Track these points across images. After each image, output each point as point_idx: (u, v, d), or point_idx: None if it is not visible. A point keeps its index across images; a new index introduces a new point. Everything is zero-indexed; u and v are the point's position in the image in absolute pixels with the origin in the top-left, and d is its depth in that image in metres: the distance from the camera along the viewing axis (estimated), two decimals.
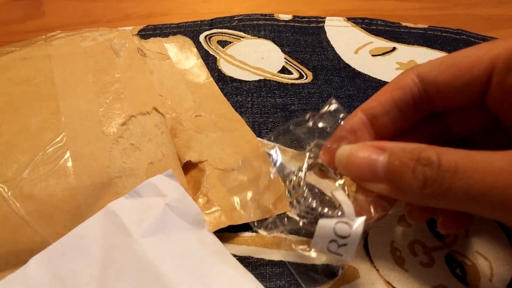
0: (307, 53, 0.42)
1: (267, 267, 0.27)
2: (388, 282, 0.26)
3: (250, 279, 0.25)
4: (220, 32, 0.44)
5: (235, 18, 0.45)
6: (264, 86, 0.38)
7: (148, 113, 0.31)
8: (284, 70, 0.40)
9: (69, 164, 0.27)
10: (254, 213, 0.28)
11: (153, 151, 0.30)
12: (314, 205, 0.24)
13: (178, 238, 0.26)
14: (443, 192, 0.20)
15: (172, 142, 0.32)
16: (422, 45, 0.43)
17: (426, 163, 0.20)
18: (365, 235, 0.28)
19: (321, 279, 0.26)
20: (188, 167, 0.32)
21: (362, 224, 0.22)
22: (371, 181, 0.23)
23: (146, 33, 0.44)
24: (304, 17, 0.46)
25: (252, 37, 0.43)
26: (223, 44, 0.43)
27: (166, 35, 0.43)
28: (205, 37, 0.43)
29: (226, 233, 0.28)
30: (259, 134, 0.34)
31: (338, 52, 0.42)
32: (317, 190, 0.29)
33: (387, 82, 0.38)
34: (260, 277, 0.26)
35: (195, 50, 0.41)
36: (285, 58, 0.41)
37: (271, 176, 0.30)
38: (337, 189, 0.25)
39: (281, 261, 0.27)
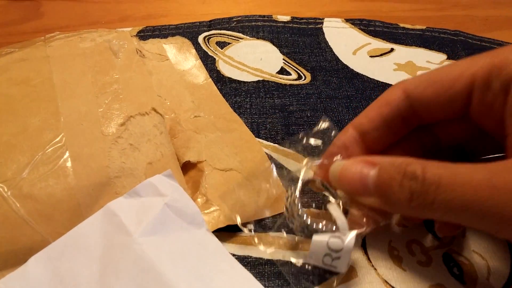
0: (305, 54, 0.42)
1: (266, 266, 0.27)
2: (386, 281, 0.26)
3: (248, 278, 0.26)
4: (218, 33, 0.44)
5: (234, 19, 0.46)
6: (263, 87, 0.39)
7: (147, 113, 0.31)
8: (282, 71, 0.40)
9: (69, 164, 0.27)
10: (256, 213, 0.29)
11: (152, 151, 0.30)
12: (308, 222, 0.25)
13: (177, 237, 0.26)
14: (428, 204, 0.21)
15: (171, 142, 0.32)
16: (419, 46, 0.43)
17: (412, 177, 0.21)
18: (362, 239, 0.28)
19: (316, 279, 0.26)
20: (187, 167, 0.32)
21: (354, 238, 0.24)
22: (363, 194, 0.24)
23: (144, 34, 0.44)
24: (302, 18, 0.46)
25: (251, 38, 0.44)
26: (222, 45, 0.43)
27: (165, 36, 0.43)
28: (204, 38, 0.43)
29: (225, 233, 0.28)
30: (257, 135, 0.34)
31: (336, 53, 0.42)
32: (314, 205, 0.30)
33: (385, 83, 0.39)
34: (258, 276, 0.26)
35: (193, 51, 0.42)
36: (283, 59, 0.41)
37: (274, 176, 0.30)
38: (331, 204, 0.27)
39: (279, 260, 0.27)
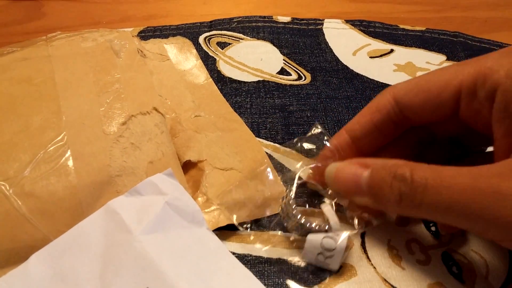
0: (305, 55, 0.42)
1: (266, 264, 0.27)
2: (385, 280, 0.26)
3: (248, 276, 0.26)
4: (219, 34, 0.44)
5: (234, 20, 0.46)
6: (263, 87, 0.39)
7: (148, 113, 0.31)
8: (282, 71, 0.40)
9: (70, 162, 0.27)
10: (252, 213, 0.29)
11: (153, 150, 0.30)
12: (302, 221, 0.27)
13: (177, 235, 0.26)
14: (416, 205, 0.22)
15: (172, 141, 0.32)
16: (419, 47, 0.43)
17: (401, 178, 0.22)
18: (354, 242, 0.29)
19: (314, 278, 0.26)
20: (187, 166, 0.32)
21: (346, 238, 0.26)
22: (357, 194, 0.25)
23: (145, 34, 0.44)
24: (302, 19, 0.46)
25: (251, 38, 0.44)
26: (223, 45, 0.43)
27: (165, 36, 0.43)
28: (205, 38, 0.44)
29: (225, 231, 0.28)
30: (258, 134, 0.35)
31: (336, 53, 0.43)
32: (307, 206, 0.30)
33: (384, 84, 0.39)
34: (258, 274, 0.26)
35: (194, 51, 0.42)
36: (283, 60, 0.42)
37: (272, 175, 0.30)
38: (325, 204, 0.28)
39: (279, 258, 0.27)
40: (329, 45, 0.44)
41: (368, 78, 0.40)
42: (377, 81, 0.40)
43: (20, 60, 0.33)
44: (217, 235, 0.28)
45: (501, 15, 0.48)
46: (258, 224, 0.29)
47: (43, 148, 0.27)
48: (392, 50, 0.43)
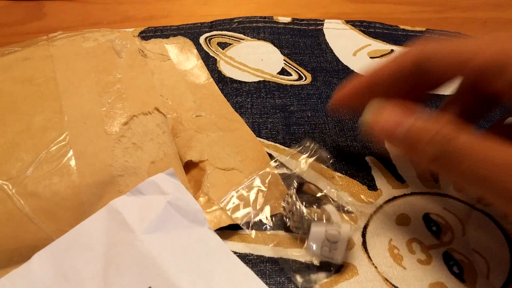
0: (306, 55, 0.42)
1: (267, 264, 0.27)
2: (387, 279, 0.26)
3: (250, 275, 0.26)
4: (220, 34, 0.44)
5: (235, 20, 0.46)
6: (264, 87, 0.39)
7: (150, 113, 0.31)
8: (283, 72, 0.41)
9: (72, 162, 0.27)
10: (254, 212, 0.29)
11: (155, 150, 0.30)
12: (304, 212, 0.27)
13: (179, 235, 0.26)
14: (450, 168, 0.22)
15: (173, 141, 0.32)
16: None
17: (443, 138, 0.22)
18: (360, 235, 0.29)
19: (317, 276, 0.27)
20: (189, 166, 0.32)
21: (349, 230, 0.26)
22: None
23: (146, 35, 0.44)
24: (303, 20, 0.47)
25: (252, 39, 0.44)
26: (223, 46, 0.43)
27: (166, 37, 0.44)
28: (205, 39, 0.44)
29: (226, 231, 0.28)
30: (258, 134, 0.35)
31: (336, 54, 0.43)
32: (306, 205, 0.30)
33: None
34: (260, 274, 0.27)
35: (195, 51, 0.42)
36: (284, 60, 0.42)
37: (273, 175, 0.31)
38: (327, 203, 0.29)
39: (281, 258, 0.27)
40: (330, 45, 0.44)
41: None
42: None
43: (22, 60, 0.33)
44: (218, 234, 0.28)
45: (501, 16, 0.49)
46: (259, 224, 0.29)
47: (45, 148, 0.27)
48: (392, 51, 0.43)
